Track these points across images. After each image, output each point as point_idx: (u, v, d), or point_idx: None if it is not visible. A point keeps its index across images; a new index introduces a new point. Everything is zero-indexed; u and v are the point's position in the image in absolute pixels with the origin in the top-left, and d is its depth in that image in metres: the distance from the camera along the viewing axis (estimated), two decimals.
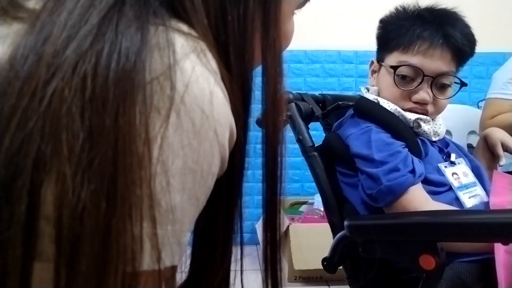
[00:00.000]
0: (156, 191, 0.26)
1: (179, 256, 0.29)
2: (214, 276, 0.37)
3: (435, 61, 0.75)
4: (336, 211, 0.82)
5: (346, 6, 2.00)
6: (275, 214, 0.39)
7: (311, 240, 1.56)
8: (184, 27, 0.31)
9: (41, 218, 0.25)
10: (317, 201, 1.79)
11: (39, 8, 0.29)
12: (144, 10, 0.29)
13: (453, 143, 0.88)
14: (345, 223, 0.69)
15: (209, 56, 0.30)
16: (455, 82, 0.80)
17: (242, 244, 0.38)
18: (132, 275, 0.26)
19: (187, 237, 0.30)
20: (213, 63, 0.30)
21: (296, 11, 0.42)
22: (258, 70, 0.37)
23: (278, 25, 0.35)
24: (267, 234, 0.38)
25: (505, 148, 0.87)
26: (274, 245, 0.39)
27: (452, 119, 1.43)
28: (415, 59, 0.76)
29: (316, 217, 1.73)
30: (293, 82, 2.01)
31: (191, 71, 0.28)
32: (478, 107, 2.04)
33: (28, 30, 0.28)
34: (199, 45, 0.30)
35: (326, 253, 0.77)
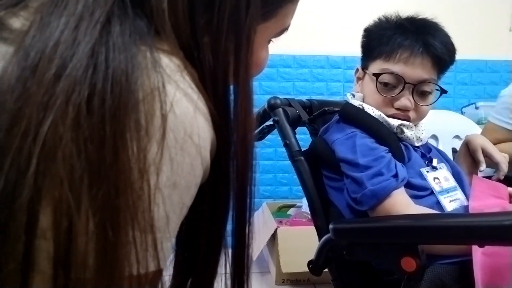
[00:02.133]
0: (153, 209, 0.28)
1: (163, 261, 0.31)
2: (200, 278, 0.38)
3: (416, 69, 0.77)
4: (321, 215, 0.83)
5: (335, 13, 2.03)
6: (243, 245, 0.39)
7: (299, 243, 1.57)
8: (165, 46, 0.32)
9: (39, 253, 0.26)
10: (305, 204, 1.80)
11: (25, 30, 0.29)
12: (131, 34, 0.30)
13: (436, 148, 0.91)
14: (330, 226, 0.70)
15: (190, 75, 0.32)
16: (436, 89, 0.83)
17: (225, 247, 0.39)
18: (119, 280, 0.28)
19: (171, 242, 0.31)
20: (193, 82, 0.32)
21: (273, 39, 0.43)
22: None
23: (249, 51, 0.36)
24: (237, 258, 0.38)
25: (485, 154, 0.89)
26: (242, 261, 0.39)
27: (437, 124, 1.47)
28: (396, 67, 0.78)
29: (304, 220, 1.75)
30: (281, 87, 2.03)
31: (175, 91, 0.30)
32: (461, 113, 2.09)
33: (14, 55, 0.28)
34: (181, 64, 0.31)
35: (313, 255, 0.79)
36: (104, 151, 0.27)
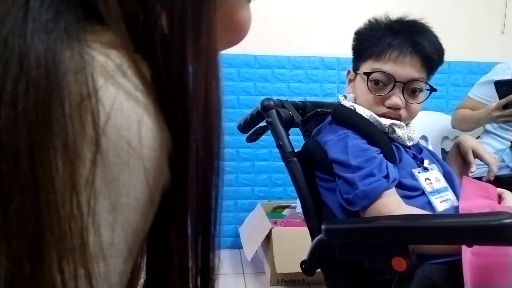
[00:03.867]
0: (87, 236, 0.24)
1: (121, 284, 0.28)
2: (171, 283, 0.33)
3: (405, 68, 0.79)
4: (314, 215, 0.84)
5: (330, 14, 2.04)
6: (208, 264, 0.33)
7: (293, 244, 1.58)
8: (104, 36, 0.27)
9: None
10: (300, 205, 1.81)
11: None
12: (56, 18, 0.25)
13: (427, 149, 0.92)
14: (322, 227, 0.71)
15: (136, 71, 0.27)
16: (426, 89, 0.84)
17: (214, 249, 0.34)
18: None
19: (127, 265, 0.28)
20: (140, 78, 0.27)
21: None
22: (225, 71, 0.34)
23: (211, 25, 0.30)
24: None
25: (476, 155, 0.91)
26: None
27: (427, 126, 1.49)
28: (387, 66, 0.80)
29: (298, 220, 1.75)
30: (276, 87, 2.03)
31: (114, 99, 0.25)
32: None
33: None
34: (124, 60, 0.26)
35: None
36: (18, 166, 0.22)
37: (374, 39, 0.81)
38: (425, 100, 0.84)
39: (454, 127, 1.50)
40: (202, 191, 0.31)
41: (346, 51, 2.16)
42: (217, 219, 0.33)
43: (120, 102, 0.25)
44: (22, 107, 0.23)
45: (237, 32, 0.36)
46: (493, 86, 1.29)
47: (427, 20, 0.85)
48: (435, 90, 0.84)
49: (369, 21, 0.86)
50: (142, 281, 0.35)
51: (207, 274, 0.33)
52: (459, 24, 2.07)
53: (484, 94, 1.42)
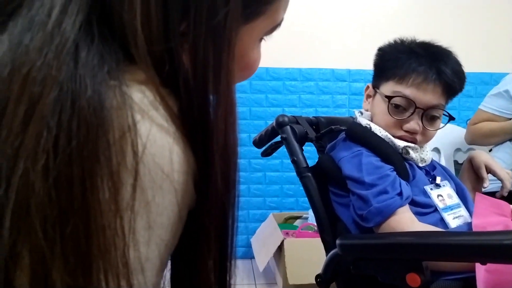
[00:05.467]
0: (127, 251, 0.27)
1: None
2: None
3: (427, 95, 0.80)
4: (329, 229, 0.86)
5: (340, 27, 2.07)
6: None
7: (305, 255, 1.59)
8: (138, 74, 0.30)
9: None
10: (311, 216, 1.82)
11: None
12: (100, 64, 0.28)
13: (440, 165, 0.93)
14: (337, 241, 0.72)
15: (166, 107, 0.30)
16: (444, 115, 0.86)
17: (231, 259, 0.37)
18: None
19: (159, 277, 0.31)
20: (170, 114, 0.30)
21: (265, 38, 0.40)
22: (238, 86, 0.36)
23: (231, 55, 0.33)
24: None
25: (489, 171, 0.91)
26: None
27: (440, 137, 1.50)
28: (408, 91, 0.81)
29: (310, 232, 1.76)
30: (288, 99, 2.06)
31: (149, 131, 0.28)
32: (466, 125, 2.11)
33: None
34: (156, 95, 0.30)
35: (320, 267, 0.81)
36: (72, 194, 0.25)
37: (398, 61, 0.82)
38: (442, 127, 0.85)
39: (472, 143, 1.48)
40: (220, 218, 0.35)
41: (357, 63, 2.18)
42: (233, 241, 0.36)
43: (154, 133, 0.29)
44: (76, 143, 0.26)
45: (247, 70, 0.39)
46: (507, 97, 1.28)
47: (453, 39, 0.86)
48: (453, 118, 0.85)
49: (395, 41, 0.87)
50: None
51: (226, 283, 0.36)
52: (471, 35, 2.08)
53: (499, 107, 1.40)
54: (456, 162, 1.58)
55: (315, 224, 1.80)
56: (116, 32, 0.31)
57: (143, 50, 0.30)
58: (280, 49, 1.90)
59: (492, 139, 1.41)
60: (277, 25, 0.39)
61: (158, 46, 0.31)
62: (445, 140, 1.55)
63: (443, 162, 1.49)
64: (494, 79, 2.17)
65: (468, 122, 1.51)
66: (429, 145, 0.91)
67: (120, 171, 0.27)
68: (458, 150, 1.59)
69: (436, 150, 1.54)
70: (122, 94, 0.28)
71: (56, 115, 0.26)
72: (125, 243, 0.27)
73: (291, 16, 0.39)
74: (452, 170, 1.00)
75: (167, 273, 0.37)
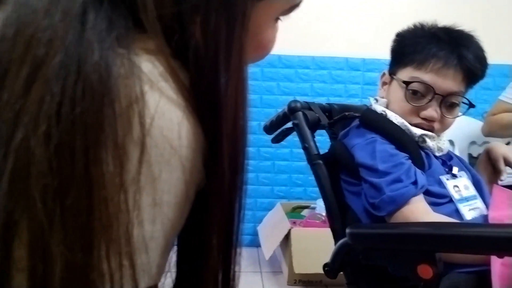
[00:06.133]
0: (132, 230, 0.26)
1: (158, 276, 0.29)
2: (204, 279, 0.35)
3: (447, 81, 0.77)
4: (338, 218, 0.84)
5: (355, 14, 2.02)
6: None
7: (312, 245, 1.58)
8: (148, 43, 0.29)
9: (14, 271, 0.25)
10: (319, 205, 1.81)
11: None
12: (108, 30, 0.27)
13: (456, 156, 0.91)
14: (347, 230, 0.71)
15: (176, 79, 0.28)
16: (463, 102, 0.82)
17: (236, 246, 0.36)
18: None
19: (164, 259, 0.30)
20: (178, 87, 0.29)
21: (281, 18, 0.38)
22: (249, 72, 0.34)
23: (244, 30, 0.31)
24: None
25: (507, 163, 0.88)
26: None
27: (454, 130, 1.46)
28: (427, 76, 0.77)
29: (317, 221, 1.75)
30: (300, 88, 2.03)
31: (158, 102, 0.27)
32: (483, 118, 2.06)
33: None
34: (166, 67, 0.28)
35: (326, 257, 0.80)
36: (74, 164, 0.24)
37: (418, 46, 0.79)
38: (461, 115, 0.82)
39: (489, 135, 1.44)
40: (226, 202, 0.33)
41: (371, 52, 2.14)
42: (239, 228, 0.35)
43: (162, 105, 0.27)
44: (80, 110, 0.25)
45: (261, 50, 0.37)
46: None
47: (472, 28, 0.82)
48: (473, 106, 0.82)
49: (414, 25, 0.83)
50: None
51: (230, 268, 0.35)
52: (490, 26, 2.01)
53: None
54: (470, 156, 1.54)
55: (323, 214, 1.79)
56: None
57: (152, 14, 0.29)
58: (293, 36, 1.87)
59: (511, 131, 1.37)
60: (296, 5, 0.37)
61: (169, 12, 0.29)
62: (459, 133, 1.51)
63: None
64: None
65: (486, 113, 1.47)
66: (445, 135, 0.88)
67: (125, 143, 0.26)
68: (473, 143, 1.55)
69: (451, 142, 1.50)
70: (130, 63, 0.27)
71: (60, 80, 0.25)
72: (129, 219, 0.26)
73: (306, 1, 0.38)
74: (466, 162, 0.97)
75: (173, 256, 0.35)
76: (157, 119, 0.27)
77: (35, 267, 0.24)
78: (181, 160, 0.28)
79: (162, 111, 0.27)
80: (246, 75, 0.33)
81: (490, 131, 1.44)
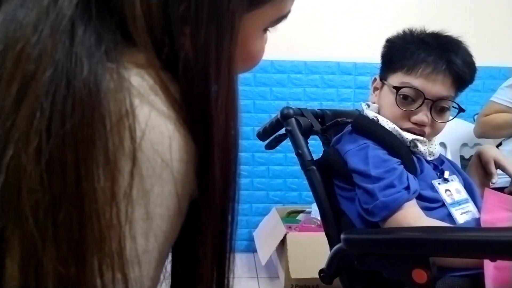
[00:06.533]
0: (124, 243, 0.26)
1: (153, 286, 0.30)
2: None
3: (436, 86, 0.78)
4: (333, 224, 0.84)
5: (346, 19, 2.04)
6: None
7: (308, 249, 1.58)
8: (138, 57, 0.29)
9: None
10: (315, 210, 1.81)
11: None
12: (97, 44, 0.27)
13: (448, 160, 0.91)
14: (342, 236, 0.71)
15: (166, 92, 0.28)
16: (453, 107, 0.84)
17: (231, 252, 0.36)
18: None
19: (158, 270, 0.30)
20: (169, 99, 0.29)
21: (269, 29, 0.38)
22: (240, 78, 0.34)
23: (233, 41, 0.31)
24: None
25: (498, 166, 0.89)
26: None
27: (446, 133, 1.47)
28: (417, 82, 0.78)
29: (313, 226, 1.75)
30: (292, 92, 2.04)
31: (148, 116, 0.27)
32: (474, 120, 2.08)
33: None
34: (156, 80, 0.28)
35: (322, 262, 0.80)
36: (66, 179, 0.24)
37: (407, 52, 0.80)
38: (451, 119, 0.83)
39: (481, 136, 1.45)
40: (219, 212, 0.33)
41: (363, 56, 2.15)
42: (233, 235, 0.35)
43: (153, 119, 0.27)
44: (70, 125, 0.25)
45: (250, 61, 0.37)
46: None
47: (461, 31, 0.83)
48: (463, 110, 0.83)
49: (403, 31, 0.84)
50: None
51: (224, 276, 0.35)
52: (479, 29, 2.04)
53: None
54: (462, 158, 1.56)
55: (318, 218, 1.79)
56: (115, 11, 0.29)
57: (142, 27, 0.29)
58: (285, 42, 1.88)
59: (504, 131, 1.39)
60: (283, 16, 0.37)
61: (158, 25, 0.30)
62: (451, 135, 1.53)
63: (449, 157, 1.47)
64: (502, 73, 2.13)
65: (477, 115, 1.49)
66: (436, 139, 0.89)
67: (117, 158, 0.26)
68: (464, 145, 1.57)
69: (442, 145, 1.52)
70: (119, 77, 0.27)
71: (50, 95, 0.25)
72: (121, 233, 0.26)
73: (296, 8, 0.38)
74: (458, 165, 0.98)
75: (168, 265, 0.36)
76: (147, 133, 0.27)
77: (28, 284, 0.24)
78: (172, 174, 0.28)
79: (152, 124, 0.27)
80: (236, 86, 0.33)
81: (483, 132, 1.45)
